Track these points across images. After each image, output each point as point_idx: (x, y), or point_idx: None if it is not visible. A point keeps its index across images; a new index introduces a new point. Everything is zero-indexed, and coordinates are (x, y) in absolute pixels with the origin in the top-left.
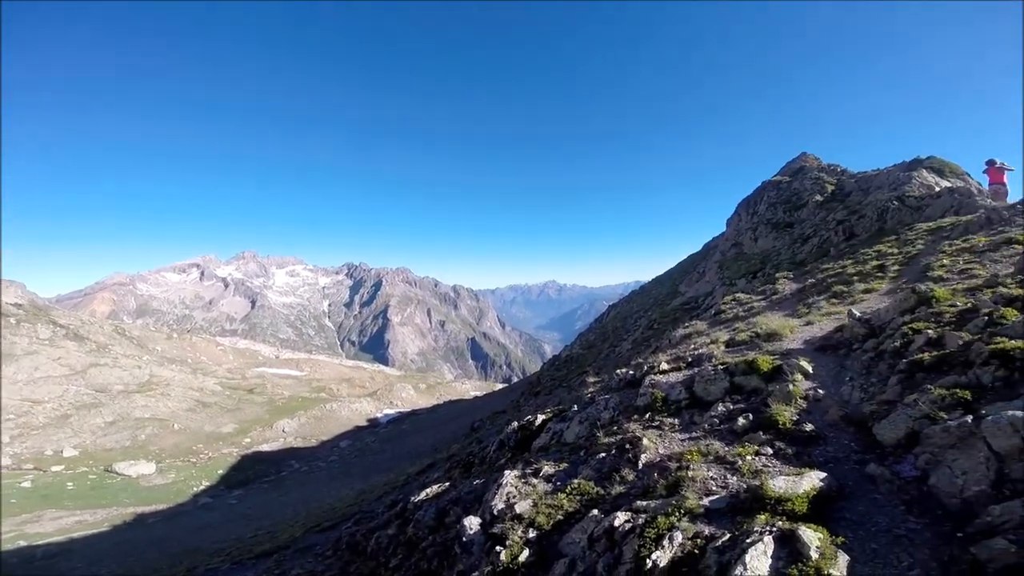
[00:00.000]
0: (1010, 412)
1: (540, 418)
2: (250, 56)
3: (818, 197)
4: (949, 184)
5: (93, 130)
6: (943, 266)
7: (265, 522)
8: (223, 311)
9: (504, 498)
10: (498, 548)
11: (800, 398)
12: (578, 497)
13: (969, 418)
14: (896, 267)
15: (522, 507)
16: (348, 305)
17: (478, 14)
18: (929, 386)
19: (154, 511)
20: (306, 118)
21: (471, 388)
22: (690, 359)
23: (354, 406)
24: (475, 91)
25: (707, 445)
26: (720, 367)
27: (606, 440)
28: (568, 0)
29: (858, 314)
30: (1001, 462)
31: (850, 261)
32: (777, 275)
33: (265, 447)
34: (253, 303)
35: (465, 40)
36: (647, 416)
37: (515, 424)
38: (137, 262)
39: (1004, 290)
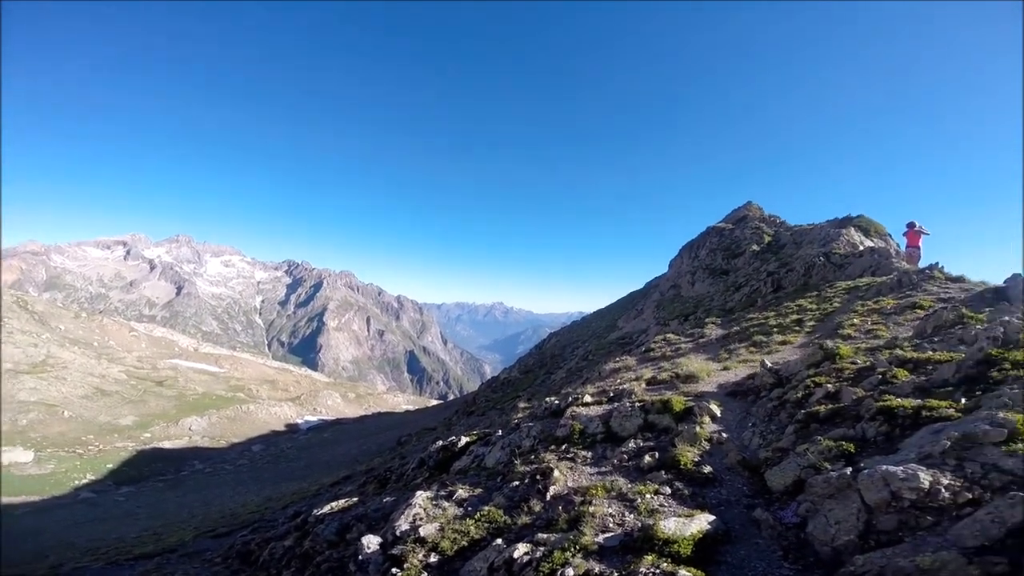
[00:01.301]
0: (884, 467)
1: (464, 440)
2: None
3: (755, 247)
4: (871, 244)
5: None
6: (853, 325)
7: (154, 523)
8: (144, 295)
9: (410, 519)
10: (395, 570)
11: (705, 440)
12: (486, 524)
13: (848, 470)
14: (812, 322)
15: (427, 530)
16: (283, 304)
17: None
18: (819, 437)
19: (24, 502)
20: (265, 95)
21: (404, 402)
22: (612, 394)
23: (273, 410)
24: (437, 82)
25: (612, 481)
26: (637, 404)
27: (522, 468)
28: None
29: (769, 364)
30: (871, 513)
31: (773, 313)
32: (707, 320)
33: (167, 444)
34: (179, 290)
35: (413, 27)
36: (564, 447)
37: (439, 443)
38: (65, 234)
39: (900, 352)
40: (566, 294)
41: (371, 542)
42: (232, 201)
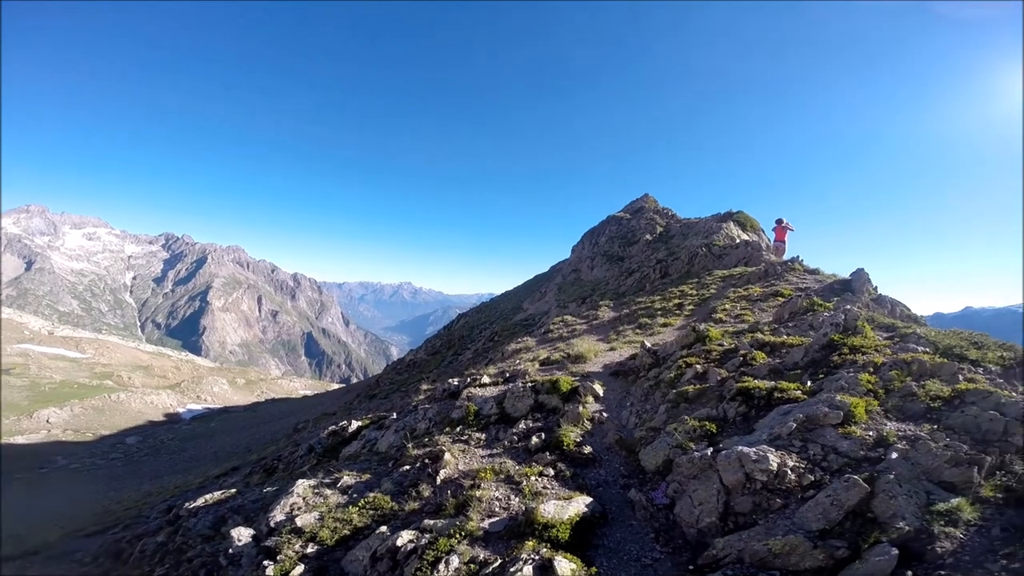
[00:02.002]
0: (739, 447)
1: (355, 424)
2: None
3: (648, 236)
4: (746, 238)
5: None
6: (725, 309)
7: (16, 525)
8: None
9: (287, 509)
10: (268, 563)
11: (587, 420)
12: (371, 512)
13: (709, 451)
14: (691, 307)
15: (305, 520)
16: (159, 281)
17: None
18: (687, 417)
19: None
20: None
21: (301, 387)
22: (508, 374)
23: (150, 398)
24: (333, 39)
25: (501, 463)
26: (529, 385)
27: (414, 452)
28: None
29: (649, 345)
30: (729, 495)
31: (659, 297)
32: (601, 303)
33: (20, 439)
34: (29, 264)
35: None
36: (459, 429)
37: (329, 429)
38: None
39: (760, 336)
40: (478, 275)
41: (242, 535)
42: (100, 169)
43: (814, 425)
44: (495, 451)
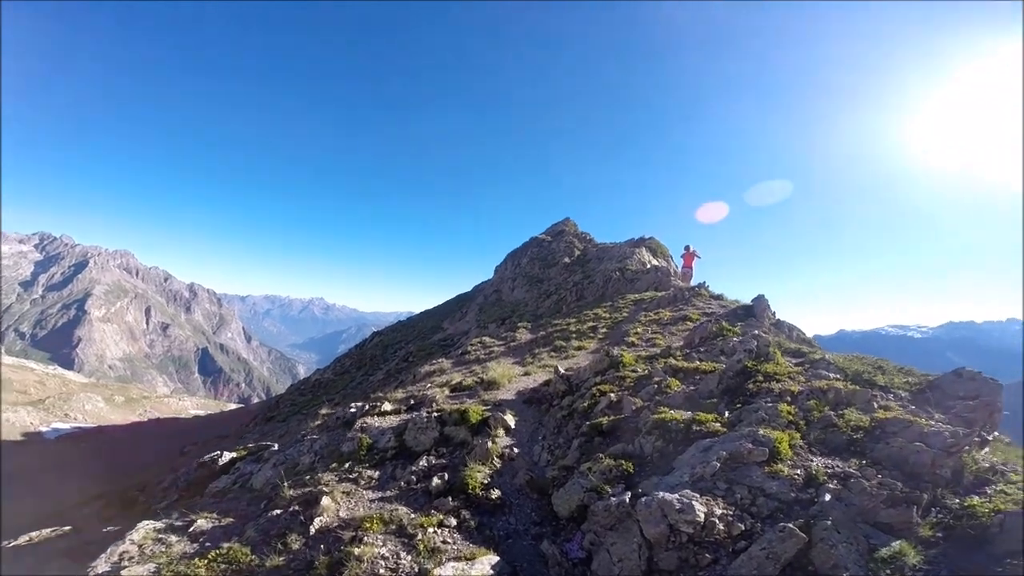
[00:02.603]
0: (661, 494)
1: (227, 456)
2: None
3: (567, 259)
4: (657, 263)
5: None
6: (637, 333)
7: None
8: None
9: (114, 559)
10: None
11: (496, 457)
12: (223, 567)
13: (627, 496)
14: (605, 329)
15: (135, 572)
16: (27, 285)
17: None
18: (600, 455)
19: None
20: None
21: (192, 406)
22: (413, 401)
23: (5, 415)
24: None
25: (393, 511)
26: (435, 415)
27: (289, 493)
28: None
29: (562, 371)
30: (651, 549)
31: (574, 320)
32: (519, 324)
33: None
34: None
35: None
36: (347, 465)
37: (200, 459)
38: None
39: (673, 362)
40: (397, 292)
41: None
42: None
43: (738, 463)
44: (388, 493)
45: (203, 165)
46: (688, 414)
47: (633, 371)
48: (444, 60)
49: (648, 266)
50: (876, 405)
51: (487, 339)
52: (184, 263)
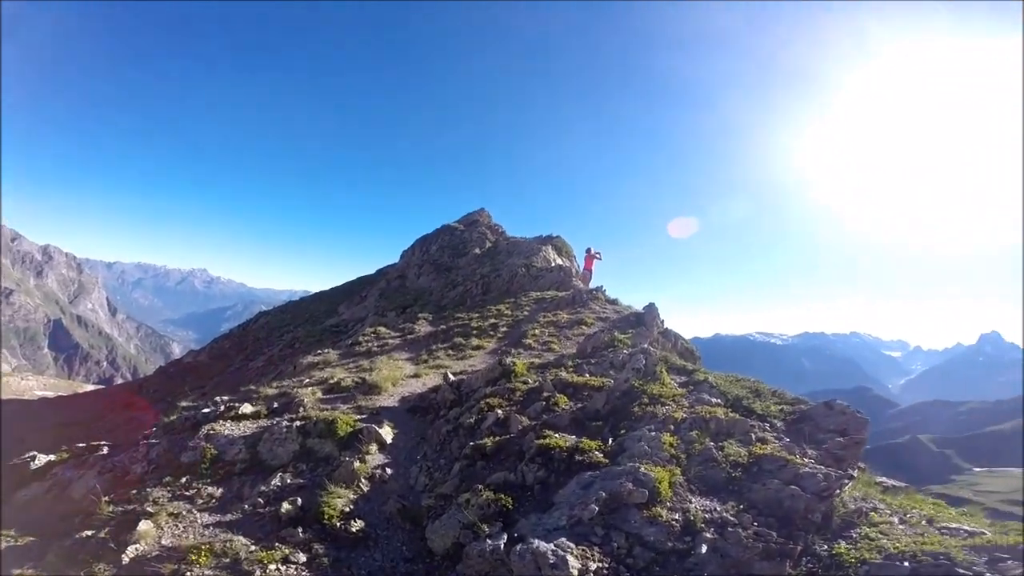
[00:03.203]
0: (535, 543)
1: (42, 459)
2: None
3: (477, 250)
4: (561, 262)
5: None
6: (534, 335)
7: None
8: None
9: None
10: None
11: (365, 478)
12: None
13: (502, 542)
14: (505, 328)
15: None
16: None
17: None
18: (480, 485)
19: None
20: None
21: (38, 386)
22: (277, 404)
23: None
24: None
25: (229, 541)
26: (296, 424)
27: (109, 510)
28: None
29: (452, 378)
30: None
31: (476, 315)
32: (420, 315)
33: None
34: None
35: None
36: (185, 480)
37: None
38: None
39: (564, 375)
40: (294, 269)
41: None
42: None
43: (618, 504)
44: (230, 517)
45: (67, 106)
46: (572, 439)
47: (524, 382)
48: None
49: (553, 264)
50: (754, 437)
51: (383, 329)
52: (41, 223)
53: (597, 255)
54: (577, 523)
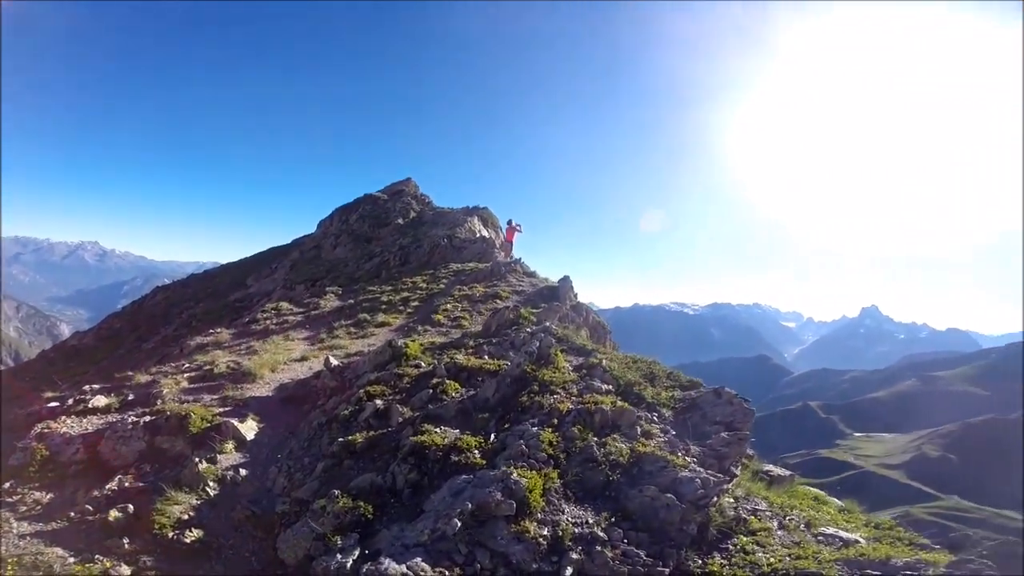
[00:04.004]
0: (386, 563)
1: None
2: None
3: (400, 221)
4: (486, 234)
5: None
6: (446, 310)
7: None
8: None
9: None
10: None
11: (214, 480)
12: None
13: (350, 560)
14: (417, 302)
15: None
16: None
17: None
18: (337, 492)
19: None
20: None
21: None
22: (133, 396)
23: None
24: None
25: (42, 552)
26: (146, 419)
27: None
28: None
29: (334, 362)
30: None
31: (390, 288)
32: (329, 289)
33: None
34: None
35: None
36: (9, 484)
37: None
38: None
39: (460, 358)
40: (203, 239)
41: None
42: None
43: (487, 516)
44: (54, 526)
45: None
46: (453, 435)
47: (416, 366)
48: None
49: (477, 236)
50: (639, 431)
51: (285, 305)
52: None
53: (518, 227)
54: (441, 538)
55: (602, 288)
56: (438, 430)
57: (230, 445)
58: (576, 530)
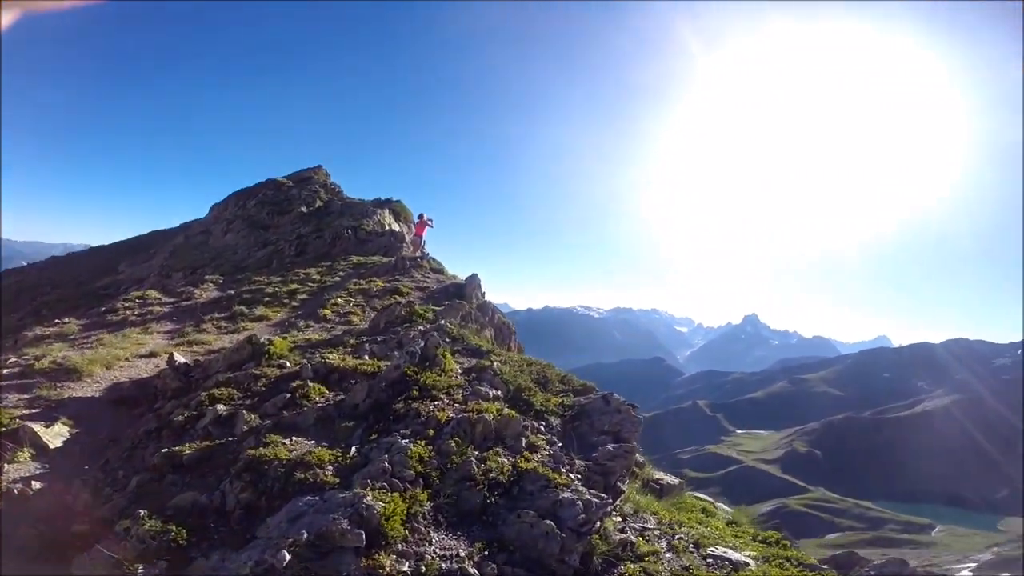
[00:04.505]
0: None
1: None
2: None
3: (304, 209)
4: (397, 228)
5: None
6: (336, 305)
7: None
8: None
9: None
10: None
11: None
12: None
13: None
14: (305, 295)
15: None
16: None
17: None
18: (143, 512)
19: None
20: None
21: None
22: None
23: None
24: None
25: None
26: None
27: None
28: None
29: (180, 360)
30: None
31: (279, 279)
32: (208, 278)
33: None
34: None
35: None
36: None
37: None
38: None
39: (334, 357)
40: (74, 220)
41: None
42: None
43: (330, 547)
44: None
45: None
46: (307, 447)
47: (279, 366)
48: None
49: (386, 229)
50: (524, 443)
51: (153, 294)
52: None
53: (429, 222)
54: (267, 572)
55: (519, 289)
56: (287, 441)
57: (26, 453)
58: (443, 564)
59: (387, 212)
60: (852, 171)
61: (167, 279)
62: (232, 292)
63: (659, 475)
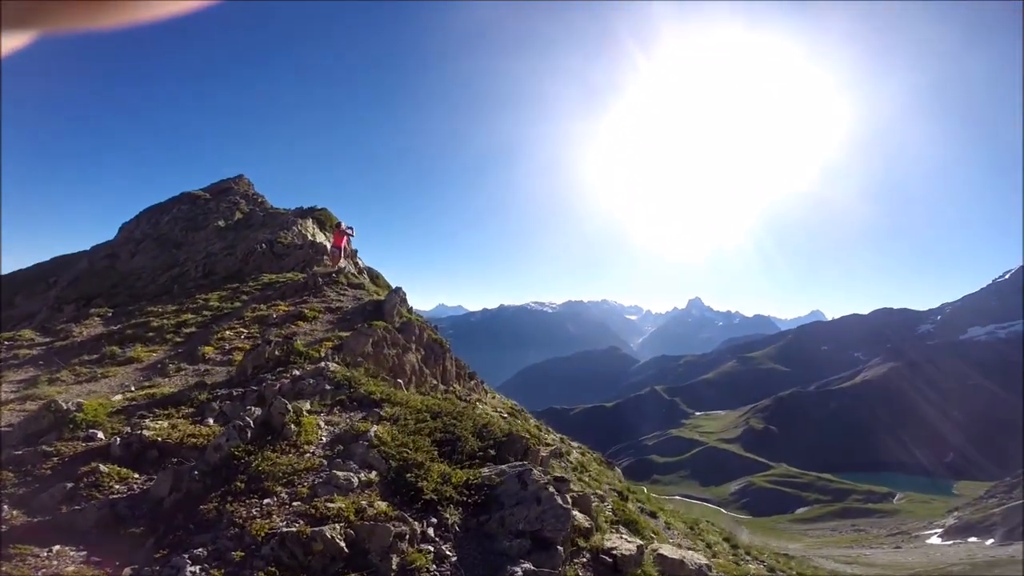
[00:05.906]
0: None
1: None
2: None
3: (221, 223)
4: (320, 239)
5: None
6: (222, 340)
7: None
8: None
9: None
10: None
11: None
12: None
13: None
14: (194, 328)
15: None
16: None
17: None
18: None
19: None
20: None
21: None
22: None
23: None
24: None
25: None
26: None
27: None
28: None
29: None
30: None
31: (174, 308)
32: (96, 311)
33: None
34: None
35: None
36: None
37: None
38: None
39: (155, 426)
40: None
41: None
42: None
43: None
44: None
45: None
46: (69, 563)
47: (88, 438)
48: None
49: (307, 241)
50: (395, 563)
51: (28, 334)
52: None
53: (349, 230)
54: None
55: (473, 291)
56: (44, 554)
57: None
58: None
59: (310, 222)
60: (768, 161)
61: (59, 312)
62: (118, 327)
63: (611, 541)
